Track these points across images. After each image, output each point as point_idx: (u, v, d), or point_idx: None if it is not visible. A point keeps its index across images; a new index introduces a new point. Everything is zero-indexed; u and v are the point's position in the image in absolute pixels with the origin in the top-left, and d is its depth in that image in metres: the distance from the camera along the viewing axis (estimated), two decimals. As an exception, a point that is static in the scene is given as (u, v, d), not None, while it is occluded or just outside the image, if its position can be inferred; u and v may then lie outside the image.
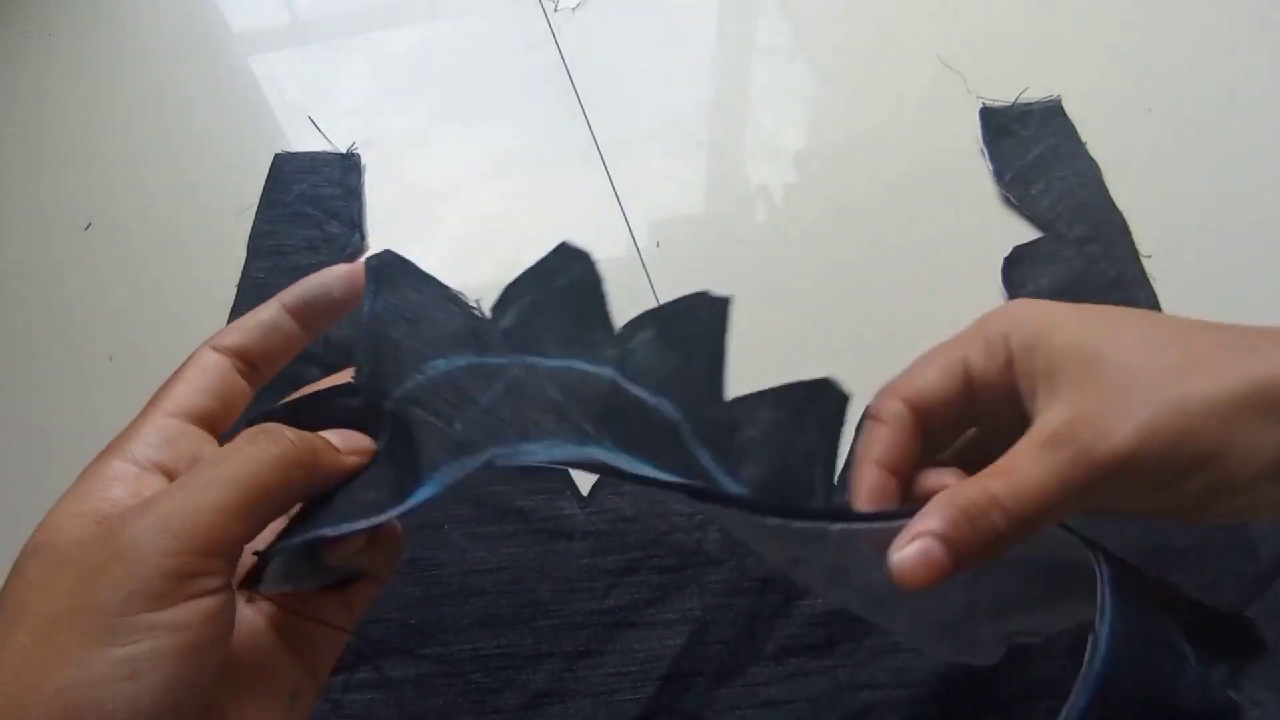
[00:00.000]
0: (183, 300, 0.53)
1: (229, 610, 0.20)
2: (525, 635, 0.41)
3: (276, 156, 0.57)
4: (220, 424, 0.24)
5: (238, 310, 0.51)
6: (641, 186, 0.57)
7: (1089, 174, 0.54)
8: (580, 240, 0.55)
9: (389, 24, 0.67)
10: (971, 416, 0.26)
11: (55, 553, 0.19)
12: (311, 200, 0.56)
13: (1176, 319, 0.23)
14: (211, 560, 0.19)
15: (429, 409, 0.23)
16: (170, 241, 0.56)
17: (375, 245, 0.55)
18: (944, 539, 0.20)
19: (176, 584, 0.18)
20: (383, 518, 0.21)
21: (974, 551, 0.21)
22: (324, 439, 0.23)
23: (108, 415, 0.50)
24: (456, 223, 0.56)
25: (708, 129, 0.60)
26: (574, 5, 0.65)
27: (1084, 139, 0.56)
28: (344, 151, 0.58)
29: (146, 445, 0.22)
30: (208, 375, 0.24)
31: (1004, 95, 0.57)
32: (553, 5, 0.65)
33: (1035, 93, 0.57)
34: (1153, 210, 0.53)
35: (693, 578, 0.42)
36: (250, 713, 0.21)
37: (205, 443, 0.23)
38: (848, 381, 0.29)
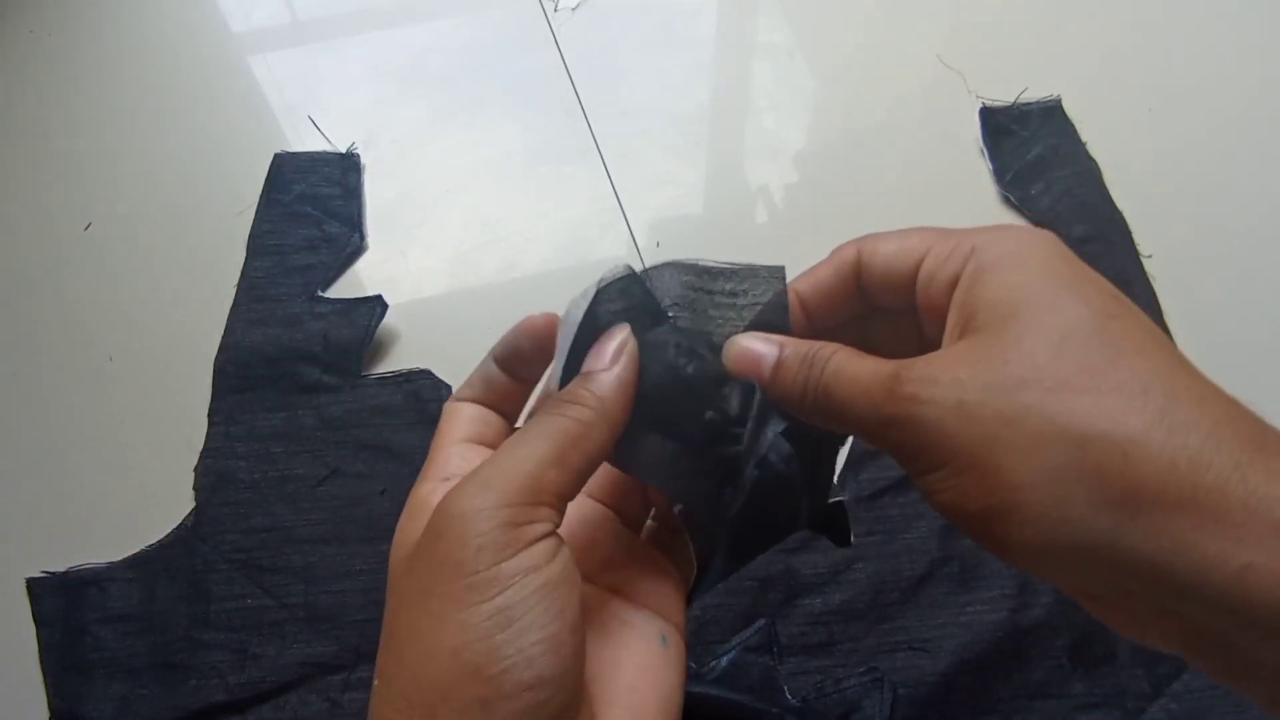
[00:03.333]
0: (183, 300, 0.53)
1: (566, 551, 0.21)
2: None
3: (276, 156, 0.58)
4: (495, 447, 0.26)
5: (238, 310, 0.51)
6: (641, 186, 0.57)
7: (1089, 174, 0.54)
8: (580, 240, 0.55)
9: (389, 24, 0.67)
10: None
11: (407, 550, 0.22)
12: (311, 200, 0.56)
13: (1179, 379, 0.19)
14: (536, 509, 0.21)
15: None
16: (170, 241, 0.56)
17: (374, 245, 0.55)
18: (779, 361, 0.24)
19: (512, 532, 0.20)
20: None
21: (786, 386, 0.24)
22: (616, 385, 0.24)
23: (108, 415, 0.50)
24: (456, 223, 0.56)
25: (708, 129, 0.60)
26: (574, 5, 0.65)
27: (1084, 139, 0.56)
28: (344, 151, 0.58)
29: (450, 464, 0.24)
30: (468, 417, 0.26)
31: (1004, 95, 0.57)
32: (553, 5, 0.65)
33: (1035, 93, 0.57)
34: (1153, 210, 0.53)
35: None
36: (631, 655, 0.24)
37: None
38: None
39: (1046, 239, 0.22)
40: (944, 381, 0.20)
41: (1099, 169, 0.54)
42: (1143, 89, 0.58)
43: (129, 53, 0.66)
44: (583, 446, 0.22)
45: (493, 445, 0.26)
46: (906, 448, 0.21)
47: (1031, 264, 0.21)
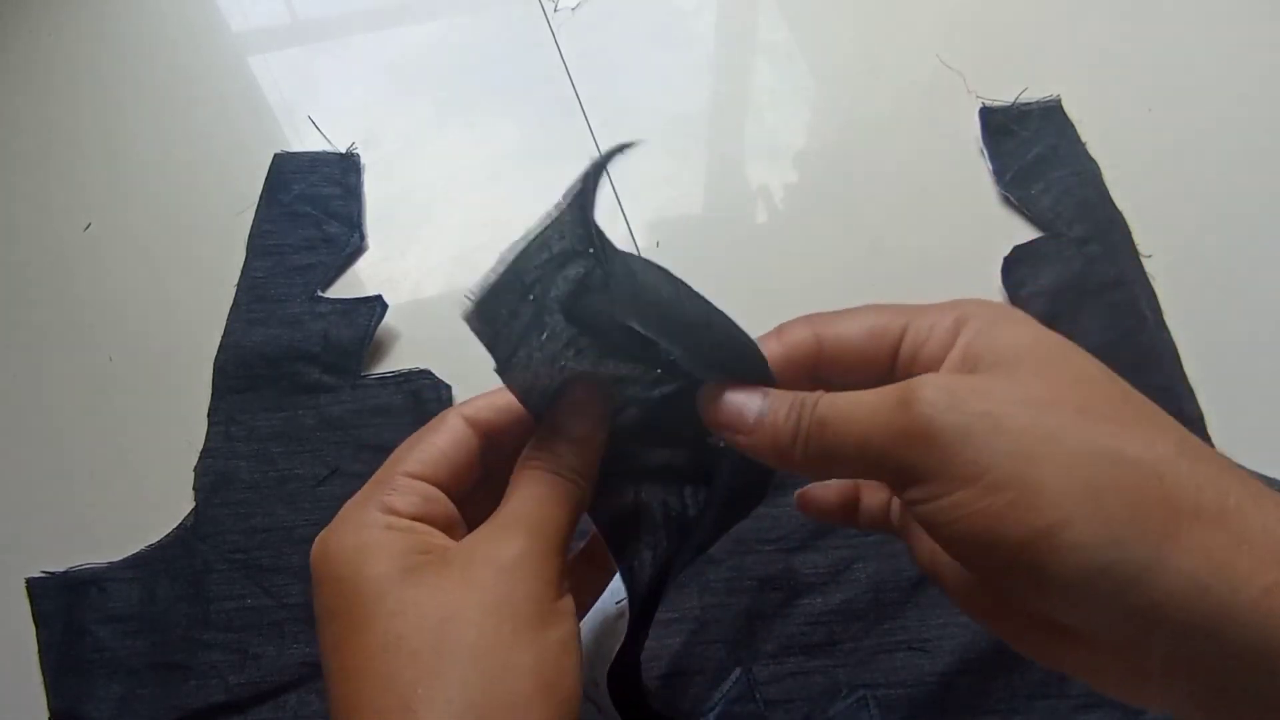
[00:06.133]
0: (183, 300, 0.54)
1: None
2: (525, 635, 0.41)
3: (276, 156, 0.57)
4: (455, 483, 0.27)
5: (238, 310, 0.51)
6: (641, 186, 0.57)
7: (1089, 174, 0.54)
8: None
9: (389, 24, 0.67)
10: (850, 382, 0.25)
11: (439, 565, 0.23)
12: (311, 200, 0.56)
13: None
14: (563, 576, 0.24)
15: None
16: (170, 241, 0.56)
17: (374, 245, 0.55)
18: (765, 408, 0.23)
19: (557, 587, 0.23)
20: None
21: (775, 431, 0.23)
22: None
23: (108, 415, 0.50)
24: (456, 223, 0.56)
25: (708, 129, 0.60)
26: (574, 5, 0.65)
27: (1084, 139, 0.55)
28: (344, 151, 0.58)
29: (396, 502, 0.25)
30: (436, 455, 0.27)
31: (1004, 95, 0.57)
32: (553, 5, 0.65)
33: (1035, 93, 0.57)
34: (1153, 210, 0.52)
35: (692, 576, 0.42)
36: None
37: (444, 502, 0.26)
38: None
39: (1028, 317, 0.22)
40: (965, 393, 0.19)
41: (1099, 169, 0.54)
42: (1143, 89, 0.58)
43: (129, 53, 0.66)
44: (581, 505, 0.25)
45: (444, 485, 0.26)
46: (923, 467, 0.19)
47: (1031, 326, 0.22)
